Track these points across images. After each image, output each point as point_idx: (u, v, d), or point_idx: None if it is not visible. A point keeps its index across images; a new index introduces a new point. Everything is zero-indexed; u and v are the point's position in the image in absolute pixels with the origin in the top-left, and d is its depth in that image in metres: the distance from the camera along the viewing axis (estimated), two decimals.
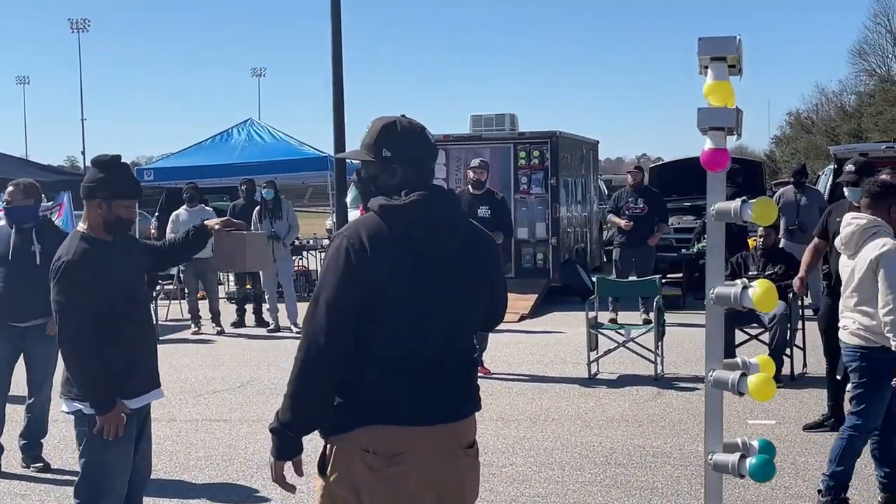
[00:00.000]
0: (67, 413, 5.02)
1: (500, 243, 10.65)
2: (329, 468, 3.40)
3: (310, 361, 3.29)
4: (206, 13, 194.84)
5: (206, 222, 5.29)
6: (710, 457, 3.41)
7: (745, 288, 3.36)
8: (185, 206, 14.74)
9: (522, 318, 15.09)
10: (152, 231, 22.95)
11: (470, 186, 11.27)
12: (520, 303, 15.55)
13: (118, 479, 4.95)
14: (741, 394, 3.36)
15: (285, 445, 3.39)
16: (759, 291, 3.30)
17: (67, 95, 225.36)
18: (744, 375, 3.36)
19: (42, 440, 7.69)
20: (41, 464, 7.60)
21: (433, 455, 3.37)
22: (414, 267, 3.32)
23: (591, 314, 10.60)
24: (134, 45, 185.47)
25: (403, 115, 3.54)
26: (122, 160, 5.04)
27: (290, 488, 3.45)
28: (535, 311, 15.51)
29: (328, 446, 3.42)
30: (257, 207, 14.38)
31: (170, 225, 14.52)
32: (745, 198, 3.38)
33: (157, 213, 22.69)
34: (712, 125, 3.39)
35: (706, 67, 3.49)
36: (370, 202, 3.41)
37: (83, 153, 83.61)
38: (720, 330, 3.55)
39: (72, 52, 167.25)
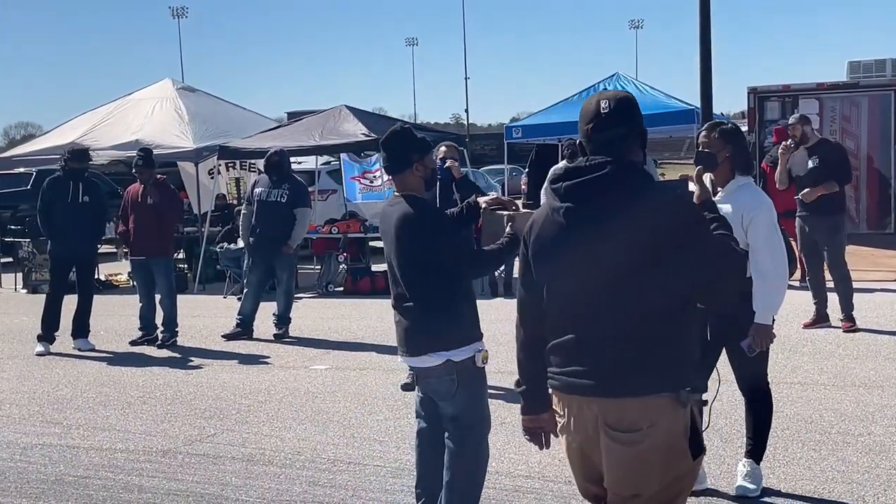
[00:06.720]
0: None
1: None
2: None
3: None
4: None
5: (478, 199, 5.42)
6: None
7: None
8: (564, 162, 14.88)
9: None
10: (523, 186, 23.59)
11: None
12: None
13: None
14: None
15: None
16: None
17: (452, 55, 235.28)
18: None
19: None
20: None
21: None
22: None
23: None
24: (513, 4, 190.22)
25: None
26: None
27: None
28: None
29: None
30: None
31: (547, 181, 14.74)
32: None
33: (527, 169, 23.26)
34: None
35: None
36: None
37: (466, 111, 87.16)
38: None
39: (456, 14, 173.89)
